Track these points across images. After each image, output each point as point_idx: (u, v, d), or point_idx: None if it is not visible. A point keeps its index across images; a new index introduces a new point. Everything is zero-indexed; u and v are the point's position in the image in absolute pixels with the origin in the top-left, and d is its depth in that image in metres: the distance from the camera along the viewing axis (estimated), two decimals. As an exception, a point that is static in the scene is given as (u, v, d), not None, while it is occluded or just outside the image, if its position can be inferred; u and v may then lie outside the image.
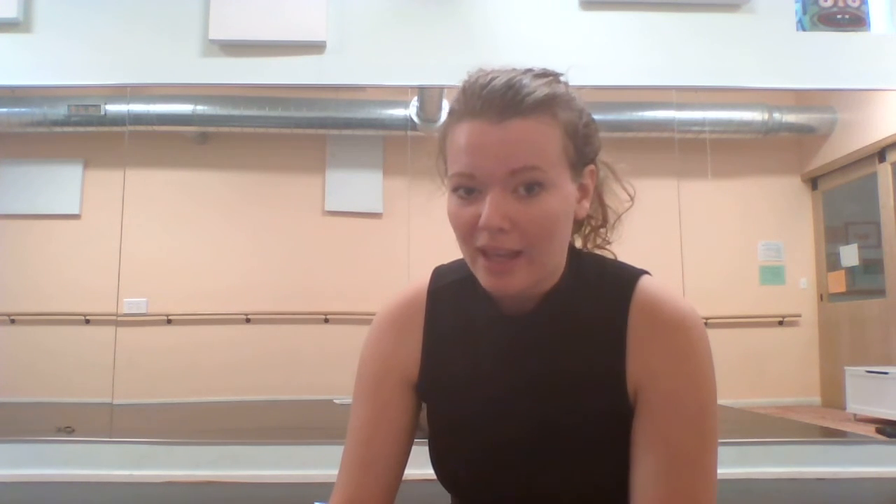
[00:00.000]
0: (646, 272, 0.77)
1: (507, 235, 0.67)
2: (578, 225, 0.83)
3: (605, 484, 0.73)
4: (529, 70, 0.71)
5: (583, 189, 0.74)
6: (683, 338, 0.71)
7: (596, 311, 0.74)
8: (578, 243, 0.84)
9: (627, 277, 0.75)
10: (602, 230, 0.83)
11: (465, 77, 0.72)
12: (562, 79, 0.73)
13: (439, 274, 0.84)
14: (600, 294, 0.75)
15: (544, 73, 0.71)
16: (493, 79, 0.68)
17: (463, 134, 0.68)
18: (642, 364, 0.72)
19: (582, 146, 0.72)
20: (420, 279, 0.84)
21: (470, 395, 0.78)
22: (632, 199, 0.83)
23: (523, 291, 0.71)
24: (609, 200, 0.82)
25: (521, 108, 0.66)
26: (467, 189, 0.68)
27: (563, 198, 0.69)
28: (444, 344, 0.80)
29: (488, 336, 0.78)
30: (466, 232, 0.69)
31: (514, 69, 0.71)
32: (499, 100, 0.66)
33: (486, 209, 0.66)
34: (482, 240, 0.68)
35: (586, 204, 0.75)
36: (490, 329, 0.78)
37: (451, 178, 0.70)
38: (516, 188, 0.67)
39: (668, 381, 0.70)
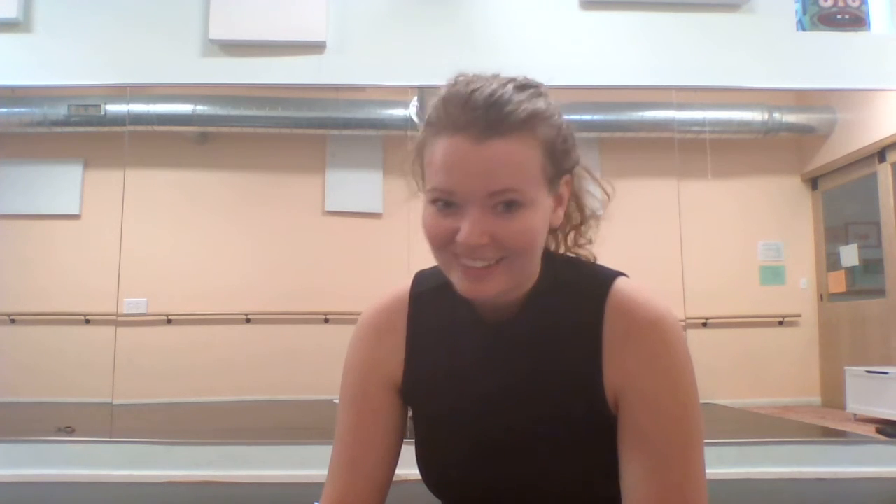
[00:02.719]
0: (622, 274, 0.77)
1: (485, 249, 0.68)
2: (554, 229, 0.83)
3: (586, 484, 0.74)
4: (511, 80, 0.70)
5: (558, 199, 0.74)
6: (658, 338, 0.71)
7: (572, 314, 0.75)
8: (554, 246, 0.85)
9: (602, 280, 0.76)
10: (582, 228, 0.84)
11: (445, 84, 0.71)
12: (543, 90, 0.72)
13: (420, 279, 0.84)
14: (576, 297, 0.76)
15: (526, 85, 0.70)
16: (474, 90, 0.67)
17: (443, 149, 0.67)
18: (619, 366, 0.72)
19: (560, 162, 0.72)
20: (402, 284, 0.85)
21: (451, 398, 0.79)
22: (609, 197, 0.83)
23: (498, 296, 0.72)
24: (587, 200, 0.82)
25: (502, 128, 0.66)
26: (446, 202, 0.68)
27: (541, 212, 0.70)
28: (427, 347, 0.81)
29: (468, 340, 0.79)
30: (442, 242, 0.70)
31: (496, 78, 0.70)
32: (481, 117, 0.66)
33: (466, 226, 0.67)
34: (459, 250, 0.69)
35: (561, 212, 0.76)
36: (470, 333, 0.79)
37: (430, 191, 0.69)
38: (495, 206, 0.67)
39: (645, 381, 0.70)
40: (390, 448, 0.80)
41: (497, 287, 0.70)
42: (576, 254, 0.84)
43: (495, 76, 0.70)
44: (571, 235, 0.84)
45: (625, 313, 0.73)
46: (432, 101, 0.71)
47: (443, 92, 0.70)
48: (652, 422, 0.70)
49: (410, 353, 0.81)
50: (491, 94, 0.66)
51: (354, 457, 0.78)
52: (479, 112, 0.66)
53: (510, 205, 0.67)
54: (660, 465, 0.68)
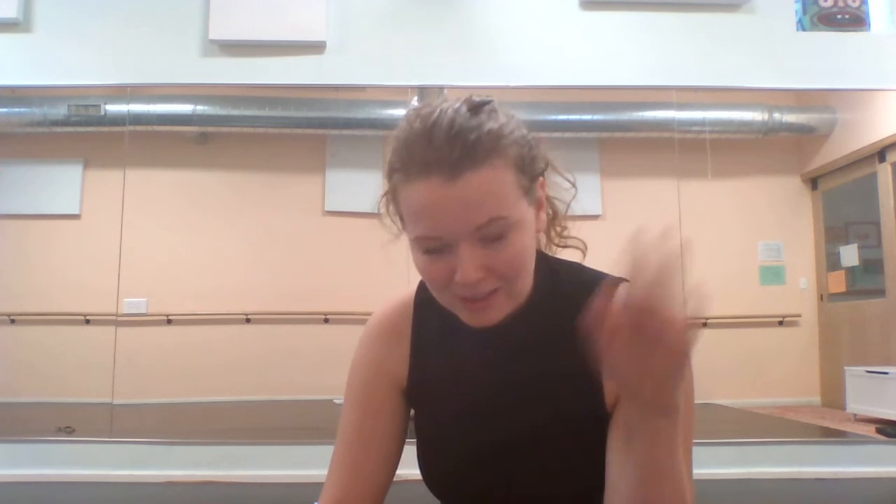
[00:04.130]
0: (624, 280, 0.77)
1: (483, 283, 0.67)
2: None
3: (586, 485, 0.74)
4: (464, 102, 0.68)
5: (538, 204, 0.74)
6: None
7: (574, 317, 0.75)
8: (545, 241, 0.85)
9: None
10: (557, 220, 0.84)
11: (400, 125, 0.69)
12: (495, 104, 0.70)
13: (424, 286, 0.84)
14: (577, 302, 0.75)
15: (480, 105, 0.68)
16: (433, 124, 0.65)
17: (418, 195, 0.65)
18: None
19: (531, 171, 0.71)
20: (407, 290, 0.87)
21: (453, 400, 0.80)
22: (573, 185, 0.82)
23: (505, 318, 0.72)
24: (555, 192, 0.82)
25: (473, 160, 0.64)
26: (434, 247, 0.67)
27: (528, 228, 0.70)
28: (430, 351, 0.82)
29: (471, 343, 0.79)
30: (442, 285, 0.70)
31: (448, 104, 0.68)
32: (447, 153, 0.64)
33: (462, 267, 0.66)
34: (460, 291, 0.68)
35: (543, 215, 0.75)
36: (472, 337, 0.79)
37: (415, 240, 0.68)
38: (484, 237, 0.66)
39: None
40: (392, 450, 0.81)
41: (502, 312, 0.71)
42: (564, 245, 0.85)
43: (446, 101, 0.68)
44: (552, 231, 0.84)
45: None
46: (392, 145, 0.69)
47: (401, 134, 0.68)
48: None
49: (415, 357, 0.83)
50: (451, 126, 0.64)
51: (356, 457, 0.79)
52: (445, 148, 0.64)
53: (499, 232, 0.66)
54: None
